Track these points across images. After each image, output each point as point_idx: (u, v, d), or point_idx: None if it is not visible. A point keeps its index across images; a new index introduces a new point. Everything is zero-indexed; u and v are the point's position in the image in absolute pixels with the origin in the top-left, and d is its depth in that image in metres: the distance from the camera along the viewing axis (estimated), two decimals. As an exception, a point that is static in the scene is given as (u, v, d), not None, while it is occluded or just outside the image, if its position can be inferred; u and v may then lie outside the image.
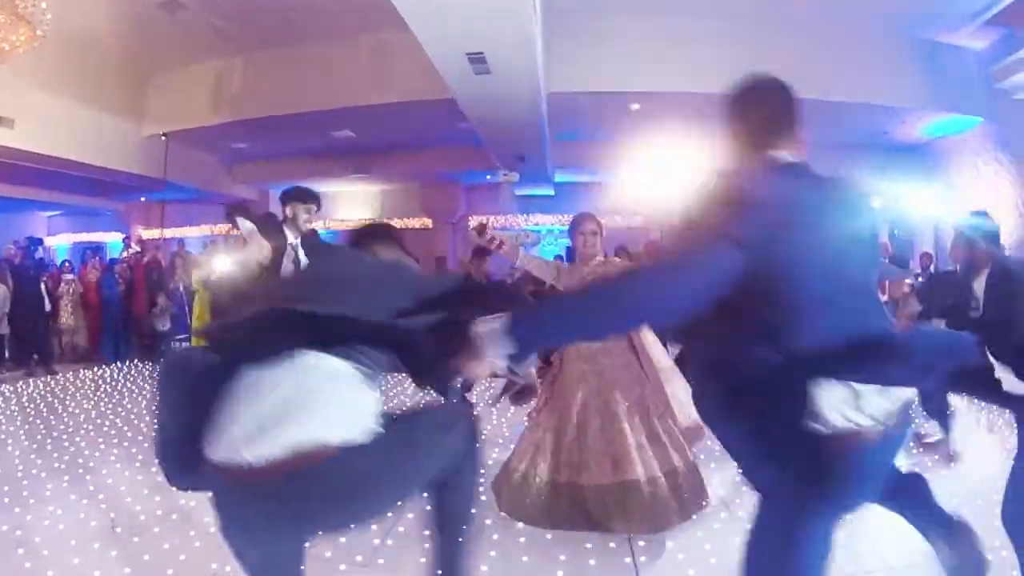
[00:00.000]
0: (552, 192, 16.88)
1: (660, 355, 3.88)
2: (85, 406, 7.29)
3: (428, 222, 17.37)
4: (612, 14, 9.97)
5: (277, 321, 1.82)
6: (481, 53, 7.58)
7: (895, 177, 13.98)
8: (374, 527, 3.58)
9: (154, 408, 1.98)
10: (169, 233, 15.52)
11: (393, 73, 10.32)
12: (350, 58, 10.48)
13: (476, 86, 8.62)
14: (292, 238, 4.51)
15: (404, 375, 2.11)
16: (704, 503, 3.74)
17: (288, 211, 4.60)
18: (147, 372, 9.58)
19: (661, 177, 15.57)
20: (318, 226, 17.20)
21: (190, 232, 16.50)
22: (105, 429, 6.21)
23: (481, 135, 11.34)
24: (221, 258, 9.44)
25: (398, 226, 16.38)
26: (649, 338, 3.92)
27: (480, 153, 14.40)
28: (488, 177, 16.38)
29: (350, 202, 17.85)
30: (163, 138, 12.28)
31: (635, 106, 11.70)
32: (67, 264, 11.86)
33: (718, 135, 2.05)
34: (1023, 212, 11.64)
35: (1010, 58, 10.94)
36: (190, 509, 3.83)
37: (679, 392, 3.63)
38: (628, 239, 12.65)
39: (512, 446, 4.11)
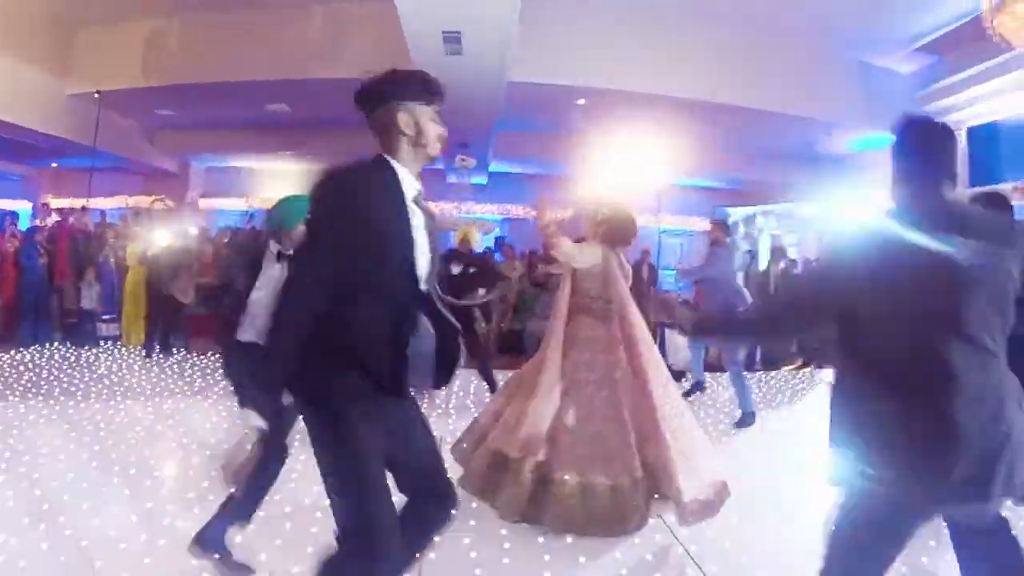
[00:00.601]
0: (485, 181, 16.76)
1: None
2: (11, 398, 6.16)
3: None
4: (568, 8, 10.05)
5: None
6: (458, 33, 7.44)
7: (820, 187, 14.92)
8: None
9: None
10: (80, 203, 14.56)
11: (344, 47, 9.87)
12: (299, 28, 9.98)
13: (442, 67, 8.17)
14: None
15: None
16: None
17: None
18: (72, 357, 8.35)
19: (604, 173, 15.94)
20: (240, 203, 16.81)
21: (106, 203, 15.41)
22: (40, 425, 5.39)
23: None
24: (160, 232, 8.98)
25: None
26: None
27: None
28: (427, 160, 16.22)
29: (277, 180, 16.61)
30: (96, 96, 11.28)
31: (581, 101, 11.78)
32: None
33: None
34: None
35: (936, 84, 11.99)
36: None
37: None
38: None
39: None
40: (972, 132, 12.52)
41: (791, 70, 11.52)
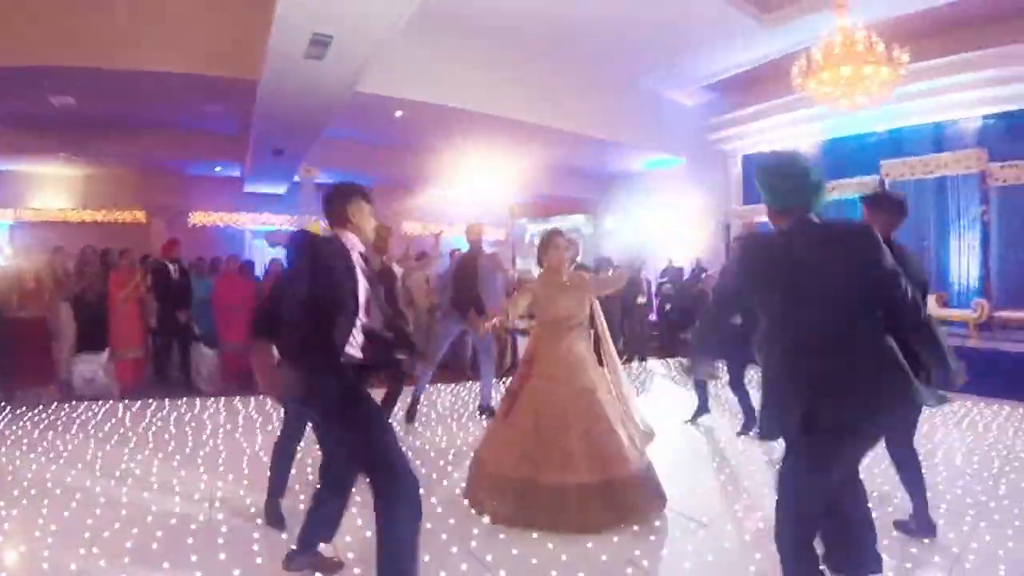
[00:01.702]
0: (284, 191, 15.90)
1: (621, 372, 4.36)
2: None
3: (141, 216, 14.78)
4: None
5: None
6: (329, 38, 7.05)
7: (614, 202, 16.26)
8: None
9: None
10: None
11: (155, 37, 8.58)
12: (104, 12, 8.59)
13: (295, 69, 7.92)
14: None
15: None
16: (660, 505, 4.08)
17: None
18: None
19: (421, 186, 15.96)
20: (6, 215, 14.12)
21: None
22: None
23: (256, 122, 10.27)
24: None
25: (102, 219, 13.73)
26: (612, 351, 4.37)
27: (211, 140, 13.12)
28: (217, 169, 14.91)
29: (48, 187, 14.34)
30: None
31: (399, 113, 11.69)
32: None
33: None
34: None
35: (717, 118, 13.87)
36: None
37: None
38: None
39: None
40: (746, 159, 14.37)
41: (596, 97, 12.46)
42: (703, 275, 10.77)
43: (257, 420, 6.63)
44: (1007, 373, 7.61)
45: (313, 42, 7.16)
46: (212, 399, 7.52)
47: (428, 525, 3.72)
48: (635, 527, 3.83)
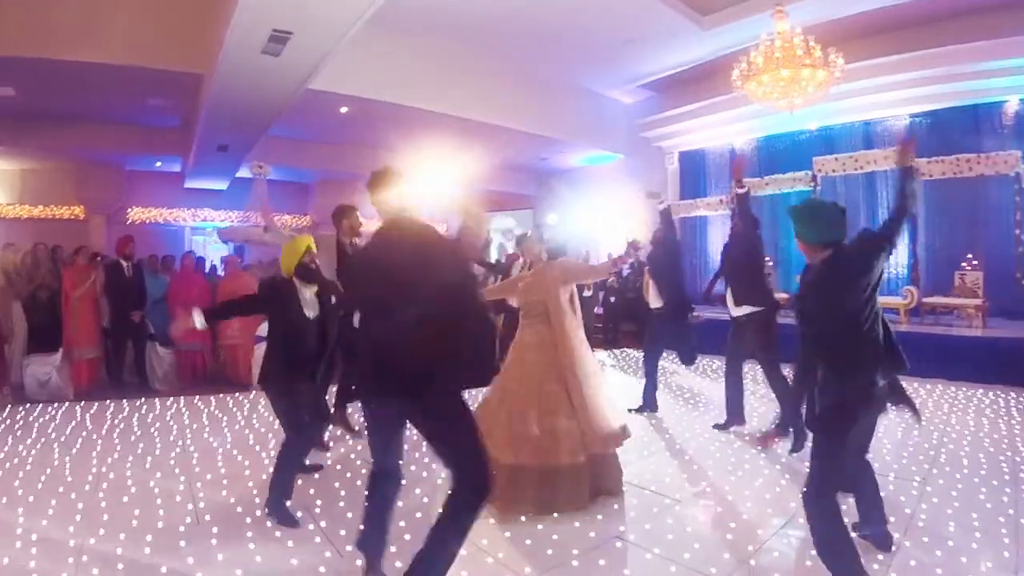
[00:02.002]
0: (225, 187, 15.60)
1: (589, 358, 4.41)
2: None
3: (79, 211, 14.18)
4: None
5: None
6: (289, 34, 6.97)
7: (552, 197, 16.53)
8: None
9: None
10: None
11: (101, 28, 8.25)
12: (49, 2, 8.41)
13: (250, 64, 7.76)
14: None
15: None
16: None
17: None
18: None
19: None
20: None
21: None
22: None
23: (203, 117, 10.05)
24: None
25: (39, 215, 13.27)
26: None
27: (152, 134, 12.83)
28: (158, 164, 14.59)
29: None
30: None
31: (344, 109, 11.66)
32: None
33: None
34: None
35: (651, 117, 14.25)
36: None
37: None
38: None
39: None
40: (683, 155, 14.82)
41: (539, 95, 12.77)
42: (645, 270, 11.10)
43: (223, 419, 6.60)
44: (937, 354, 8.17)
45: (272, 38, 7.07)
46: (171, 399, 7.39)
47: (418, 515, 3.91)
48: (615, 506, 4.11)
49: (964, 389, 7.67)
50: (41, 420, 6.45)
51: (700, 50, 11.18)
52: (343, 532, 3.74)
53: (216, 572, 3.31)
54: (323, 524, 3.89)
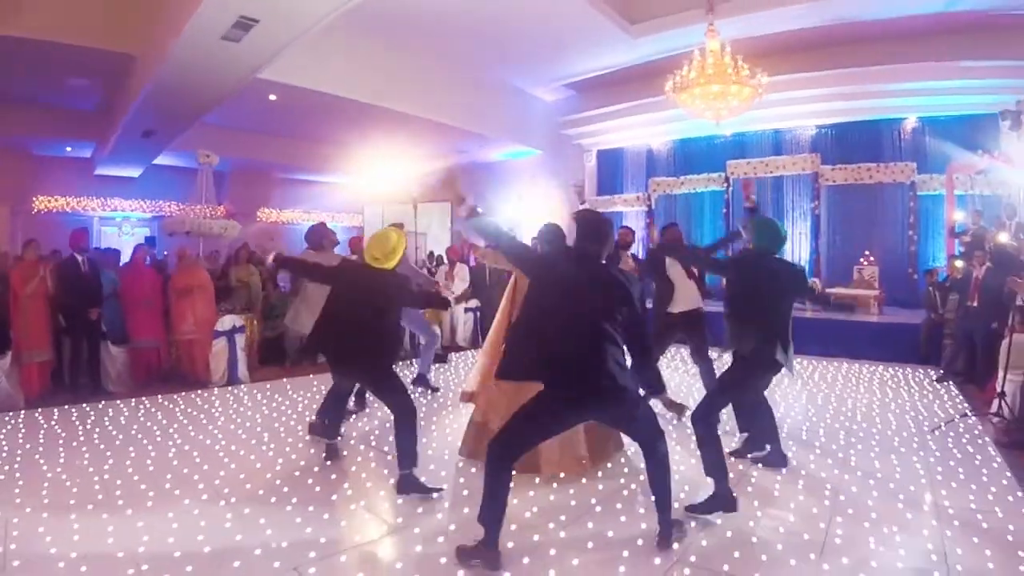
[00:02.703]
0: (138, 174, 15.05)
1: None
2: None
3: None
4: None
5: None
6: (256, 22, 7.05)
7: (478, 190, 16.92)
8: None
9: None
10: None
11: (23, 1, 8.00)
12: None
13: (206, 49, 7.74)
14: None
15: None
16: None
17: None
18: None
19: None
20: None
21: None
22: None
23: (140, 100, 9.73)
24: None
25: None
26: None
27: (65, 117, 12.37)
28: (68, 149, 14.09)
29: None
30: None
31: (273, 97, 11.72)
32: None
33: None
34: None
35: (572, 115, 15.03)
36: None
37: None
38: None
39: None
40: (601, 153, 15.71)
41: (464, 91, 13.19)
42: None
43: (199, 416, 6.27)
44: (836, 337, 9.64)
45: (237, 24, 7.12)
46: (134, 400, 6.89)
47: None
48: (608, 464, 4.79)
49: (867, 366, 9.01)
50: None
51: (627, 56, 11.88)
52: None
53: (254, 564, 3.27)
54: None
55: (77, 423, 6.00)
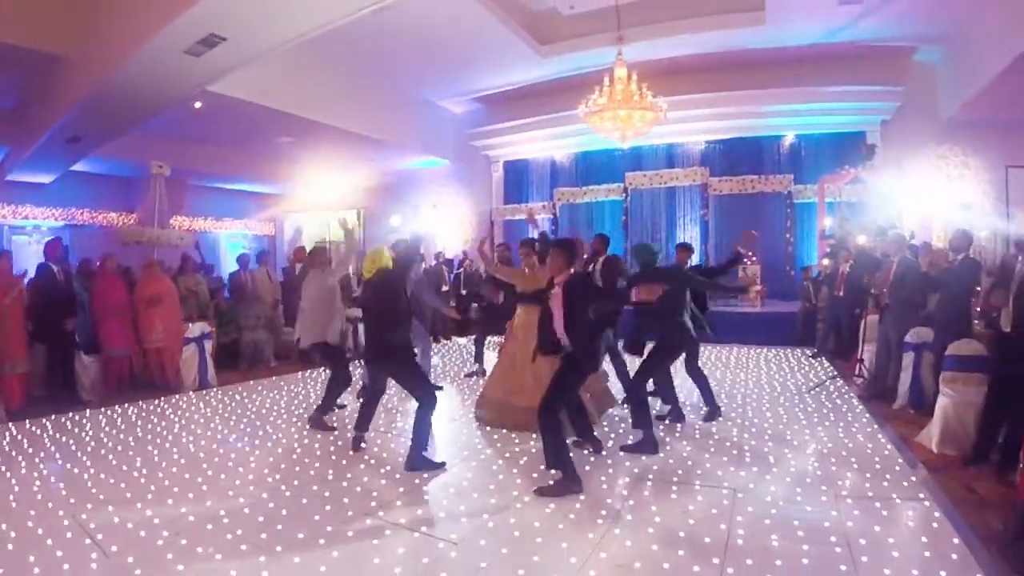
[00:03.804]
0: (50, 180, 14.48)
1: None
2: None
3: None
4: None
5: None
6: (223, 40, 7.36)
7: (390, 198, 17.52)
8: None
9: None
10: None
11: None
12: None
13: (164, 62, 7.89)
14: None
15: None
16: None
17: None
18: None
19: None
20: None
21: None
22: None
23: (79, 105, 9.57)
24: None
25: None
26: None
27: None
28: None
29: None
30: None
31: (198, 104, 11.88)
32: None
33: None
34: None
35: (481, 127, 16.10)
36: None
37: None
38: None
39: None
40: (508, 164, 16.88)
41: (376, 101, 13.86)
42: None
43: (178, 423, 6.53)
44: (724, 327, 11.02)
45: (204, 40, 7.43)
46: (113, 408, 7.12)
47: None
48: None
49: (754, 349, 10.74)
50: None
51: (535, 73, 13.08)
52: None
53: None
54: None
55: (57, 434, 6.11)
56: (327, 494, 4.45)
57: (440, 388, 7.73)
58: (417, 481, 4.70)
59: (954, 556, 3.28)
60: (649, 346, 5.96)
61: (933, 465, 4.72)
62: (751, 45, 11.54)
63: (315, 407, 6.51)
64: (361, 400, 6.03)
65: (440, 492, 4.49)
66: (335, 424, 6.33)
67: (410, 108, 14.92)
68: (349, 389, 6.88)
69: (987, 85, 9.49)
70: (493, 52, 12.06)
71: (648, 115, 10.34)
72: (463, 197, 17.07)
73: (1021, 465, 3.74)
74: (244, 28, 7.38)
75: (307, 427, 6.24)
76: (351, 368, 6.83)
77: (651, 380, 6.08)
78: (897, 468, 4.71)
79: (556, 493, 4.29)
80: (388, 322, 5.05)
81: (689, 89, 12.77)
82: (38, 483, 4.69)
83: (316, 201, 18.08)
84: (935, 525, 3.70)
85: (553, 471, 4.45)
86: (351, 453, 5.40)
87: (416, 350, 6.34)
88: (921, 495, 4.17)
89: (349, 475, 4.85)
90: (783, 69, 12.39)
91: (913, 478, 4.50)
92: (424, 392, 5.11)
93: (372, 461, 5.20)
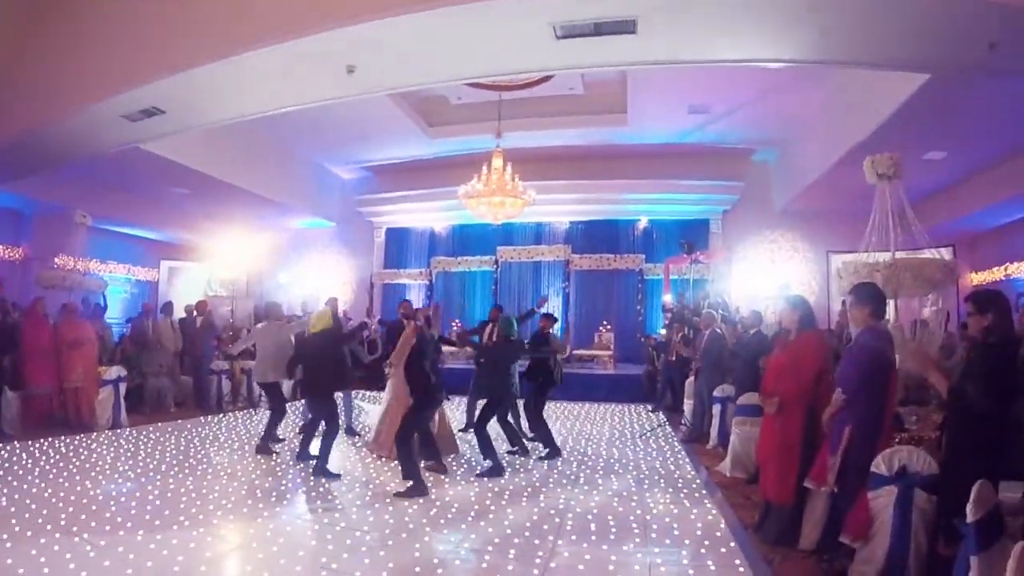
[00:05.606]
0: None
1: None
2: None
3: None
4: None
5: None
6: (161, 112, 7.95)
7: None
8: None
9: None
10: None
11: None
12: None
13: (97, 123, 8.32)
14: None
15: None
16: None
17: None
18: None
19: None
20: None
21: None
22: None
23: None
24: None
25: None
26: None
27: None
28: None
29: None
30: None
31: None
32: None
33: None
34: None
35: (367, 195, 17.46)
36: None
37: None
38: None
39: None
40: (390, 231, 18.16)
41: (271, 163, 14.75)
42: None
43: (106, 457, 7.18)
44: (582, 386, 13.01)
45: (144, 110, 7.90)
46: (38, 442, 7.66)
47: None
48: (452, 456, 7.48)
49: (605, 406, 12.51)
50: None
51: (422, 150, 14.72)
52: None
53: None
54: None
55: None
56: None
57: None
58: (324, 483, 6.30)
59: (718, 534, 5.01)
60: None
61: (724, 484, 6.49)
62: (613, 141, 13.95)
63: (259, 437, 7.90)
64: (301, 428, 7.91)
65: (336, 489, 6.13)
66: (277, 451, 7.72)
67: (300, 170, 15.91)
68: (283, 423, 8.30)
69: (812, 182, 11.97)
70: (386, 129, 13.52)
71: (518, 202, 12.06)
72: (345, 258, 18.09)
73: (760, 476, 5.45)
74: (185, 105, 8.01)
75: (253, 454, 7.54)
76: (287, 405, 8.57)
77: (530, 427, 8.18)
78: (694, 485, 6.52)
79: (408, 495, 5.87)
80: (326, 366, 6.74)
81: (557, 175, 14.76)
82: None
83: (205, 252, 18.16)
84: (710, 518, 5.44)
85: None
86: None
87: (339, 393, 7.90)
88: (707, 503, 5.90)
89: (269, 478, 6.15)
90: (640, 163, 14.74)
91: (705, 491, 6.27)
92: (332, 422, 6.81)
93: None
